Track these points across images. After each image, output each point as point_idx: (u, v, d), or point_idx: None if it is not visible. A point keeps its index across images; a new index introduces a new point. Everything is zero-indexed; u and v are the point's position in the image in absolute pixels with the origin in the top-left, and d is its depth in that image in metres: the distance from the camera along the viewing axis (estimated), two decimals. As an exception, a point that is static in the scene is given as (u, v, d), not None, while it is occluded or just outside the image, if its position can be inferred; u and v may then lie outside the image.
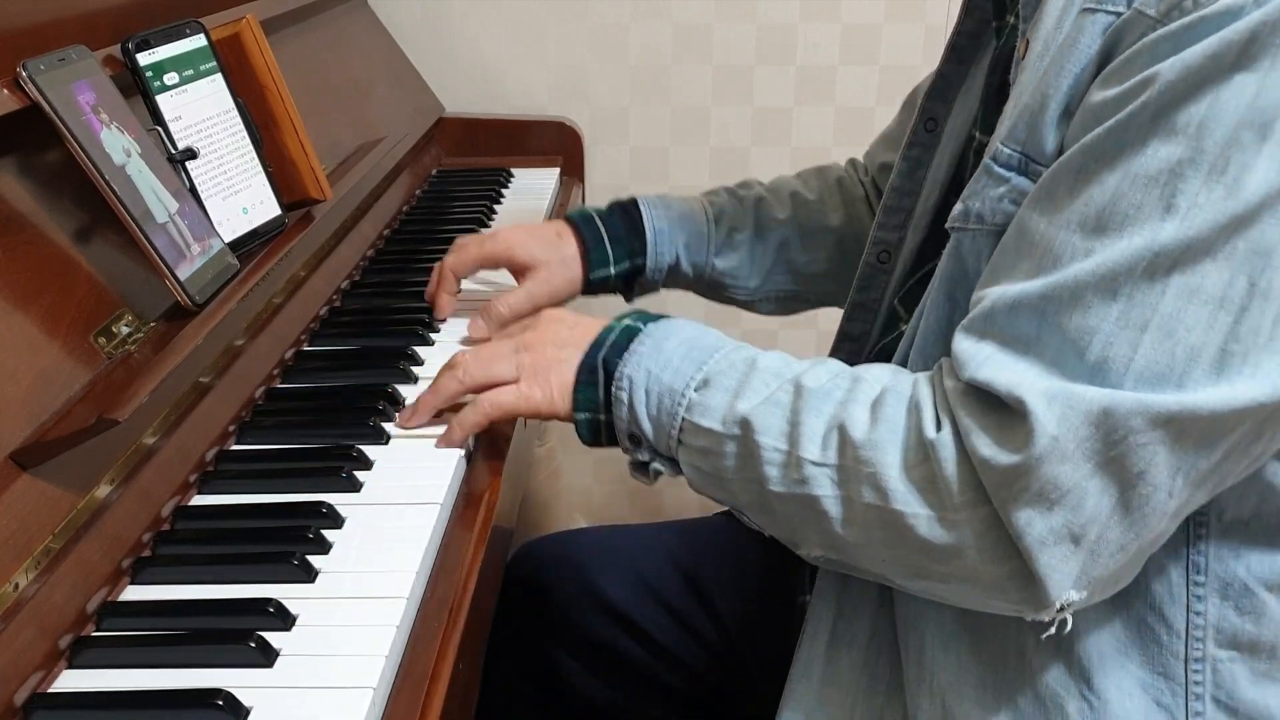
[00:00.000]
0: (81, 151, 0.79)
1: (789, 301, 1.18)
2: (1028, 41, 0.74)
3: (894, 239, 0.97)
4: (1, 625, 0.63)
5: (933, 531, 0.67)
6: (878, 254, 0.97)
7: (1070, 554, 0.64)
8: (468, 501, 0.86)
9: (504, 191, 1.62)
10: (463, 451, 0.89)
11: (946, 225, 0.77)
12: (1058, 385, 0.63)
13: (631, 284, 1.14)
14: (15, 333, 0.72)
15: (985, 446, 0.65)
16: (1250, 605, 0.73)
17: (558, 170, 1.75)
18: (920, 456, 0.68)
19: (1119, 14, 0.66)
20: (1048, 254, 0.66)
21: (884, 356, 0.94)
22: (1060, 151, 0.69)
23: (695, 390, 0.76)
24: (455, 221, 1.45)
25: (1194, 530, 0.72)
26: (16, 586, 0.65)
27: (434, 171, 1.68)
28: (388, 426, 0.92)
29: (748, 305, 1.19)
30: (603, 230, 1.11)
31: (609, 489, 2.04)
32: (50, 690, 0.65)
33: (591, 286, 1.12)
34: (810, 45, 1.81)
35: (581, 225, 1.11)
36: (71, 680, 0.66)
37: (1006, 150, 0.72)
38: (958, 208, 0.76)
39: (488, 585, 0.82)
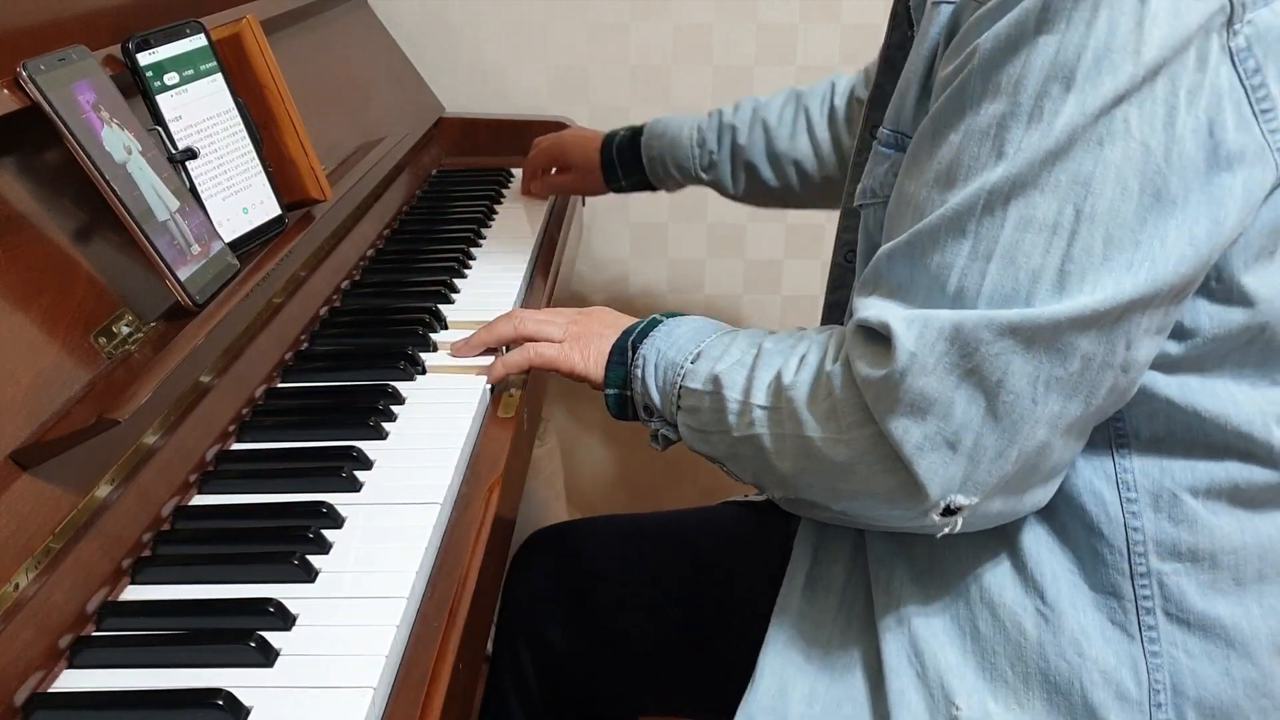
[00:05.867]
0: (81, 150, 0.79)
1: (773, 204, 1.45)
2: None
3: (855, 239, 0.99)
4: (1, 625, 0.63)
5: (834, 451, 0.77)
6: (844, 254, 1.01)
7: (949, 459, 0.73)
8: (468, 501, 0.86)
9: (504, 191, 1.62)
10: (460, 450, 0.89)
11: (854, 204, 0.89)
12: (916, 311, 0.73)
13: (646, 189, 1.49)
14: (15, 333, 0.72)
15: (863, 368, 0.75)
16: (1182, 514, 0.79)
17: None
18: (825, 390, 0.78)
19: (955, 2, 0.78)
20: (915, 211, 0.75)
21: None
22: None
23: (691, 362, 0.88)
24: (455, 221, 1.45)
25: (1117, 449, 0.80)
26: (16, 586, 0.65)
27: (434, 171, 1.68)
28: (388, 426, 0.93)
29: (742, 201, 1.44)
30: (615, 158, 1.47)
31: (608, 490, 2.04)
32: (50, 690, 0.65)
33: (610, 190, 1.49)
34: (810, 45, 1.81)
35: (603, 148, 1.47)
36: (71, 680, 0.66)
37: (886, 131, 0.85)
38: (860, 185, 0.88)
39: (488, 585, 0.82)
